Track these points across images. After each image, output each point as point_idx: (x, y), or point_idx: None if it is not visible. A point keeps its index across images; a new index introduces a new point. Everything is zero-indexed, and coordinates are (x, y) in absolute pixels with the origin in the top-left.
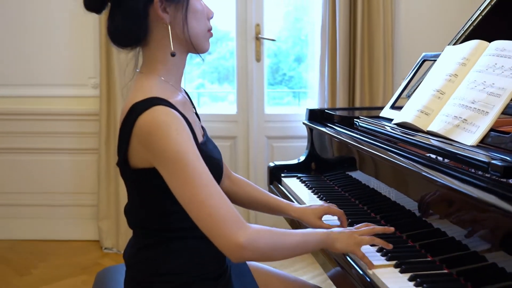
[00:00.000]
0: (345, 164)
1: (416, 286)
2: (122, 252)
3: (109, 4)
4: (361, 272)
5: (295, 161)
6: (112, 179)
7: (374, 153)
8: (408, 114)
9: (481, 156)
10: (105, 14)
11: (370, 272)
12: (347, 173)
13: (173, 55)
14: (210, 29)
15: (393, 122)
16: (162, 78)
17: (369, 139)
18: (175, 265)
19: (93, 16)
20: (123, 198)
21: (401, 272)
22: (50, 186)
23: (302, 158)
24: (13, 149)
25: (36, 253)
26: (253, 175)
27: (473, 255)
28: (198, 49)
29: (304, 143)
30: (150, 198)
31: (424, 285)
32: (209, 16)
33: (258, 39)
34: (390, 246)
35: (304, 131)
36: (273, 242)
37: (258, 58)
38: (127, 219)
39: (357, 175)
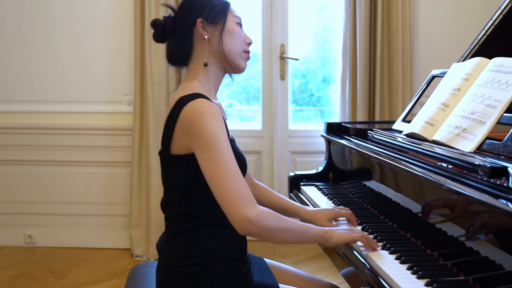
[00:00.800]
0: (360, 174)
1: (420, 278)
2: (152, 260)
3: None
4: (371, 272)
5: (313, 171)
6: (143, 190)
7: (385, 161)
8: (416, 125)
9: (476, 160)
10: (132, 35)
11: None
12: (362, 182)
13: (205, 65)
14: (246, 51)
15: (403, 133)
16: (201, 83)
17: (381, 148)
18: (203, 249)
19: (128, 38)
20: (154, 208)
21: (412, 273)
22: (85, 196)
23: (321, 168)
24: (52, 162)
25: (72, 259)
26: (277, 187)
27: (470, 250)
28: (233, 65)
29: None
30: (183, 185)
31: (434, 284)
32: (246, 41)
33: (282, 58)
34: (377, 247)
35: (322, 146)
36: (276, 224)
37: (283, 77)
38: (163, 211)
39: (371, 184)
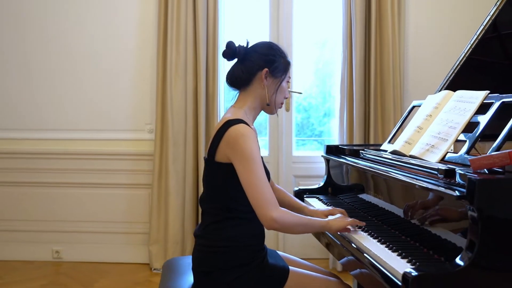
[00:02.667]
0: (354, 188)
1: (404, 258)
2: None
3: (236, 59)
4: (372, 260)
5: (315, 186)
6: (162, 210)
7: (373, 171)
8: (398, 144)
9: (438, 166)
10: (154, 71)
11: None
12: (355, 194)
13: (268, 105)
14: (282, 103)
15: (388, 151)
16: (245, 113)
17: (370, 163)
18: (233, 235)
19: (150, 73)
20: (171, 226)
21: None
22: (108, 216)
23: (321, 184)
24: (78, 184)
25: (96, 271)
26: None
27: (429, 233)
28: (270, 110)
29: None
30: (222, 186)
31: (411, 258)
32: (285, 95)
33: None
34: (363, 223)
35: (322, 170)
36: (293, 221)
37: (288, 108)
38: (201, 205)
39: (362, 196)
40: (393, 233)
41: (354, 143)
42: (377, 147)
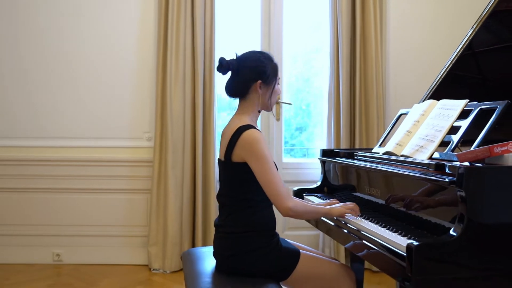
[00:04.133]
0: (349, 187)
1: (401, 236)
2: (168, 272)
3: (230, 72)
4: (375, 238)
5: (313, 186)
6: (161, 213)
7: (371, 168)
8: (390, 146)
9: (429, 161)
10: (153, 81)
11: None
12: (348, 191)
13: (259, 111)
14: (277, 100)
15: (381, 152)
16: (250, 117)
17: (367, 162)
18: (251, 222)
19: (149, 83)
20: (170, 228)
21: (397, 234)
22: (108, 220)
23: (318, 183)
24: (78, 189)
25: (98, 272)
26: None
27: (419, 218)
28: (268, 109)
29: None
30: (239, 181)
31: (410, 236)
32: (279, 93)
33: (277, 103)
34: (358, 213)
35: (313, 176)
36: (304, 209)
37: (278, 118)
38: (219, 199)
39: (357, 193)
40: (390, 219)
41: (341, 146)
42: (367, 150)
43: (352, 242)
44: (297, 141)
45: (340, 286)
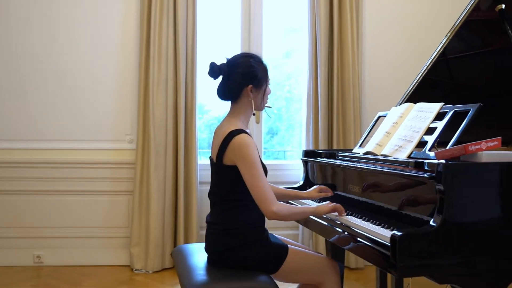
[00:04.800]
0: (330, 186)
1: (384, 228)
2: (151, 272)
3: (221, 76)
4: (360, 231)
5: (296, 185)
6: (143, 214)
7: (354, 167)
8: (370, 146)
9: (408, 160)
10: (135, 85)
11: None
12: (333, 191)
13: (253, 114)
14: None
15: (361, 152)
16: (241, 121)
17: (349, 162)
18: (242, 219)
19: (131, 87)
20: (152, 229)
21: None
22: (89, 221)
23: (301, 182)
24: (59, 191)
25: (80, 273)
26: None
27: (399, 213)
28: (260, 110)
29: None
30: (230, 183)
31: (393, 228)
32: (269, 93)
33: None
34: (343, 213)
35: (291, 177)
36: (289, 212)
37: (258, 121)
38: (211, 198)
39: (339, 192)
40: (372, 214)
41: (320, 147)
42: (347, 151)
43: (337, 236)
44: (269, 144)
45: (326, 278)
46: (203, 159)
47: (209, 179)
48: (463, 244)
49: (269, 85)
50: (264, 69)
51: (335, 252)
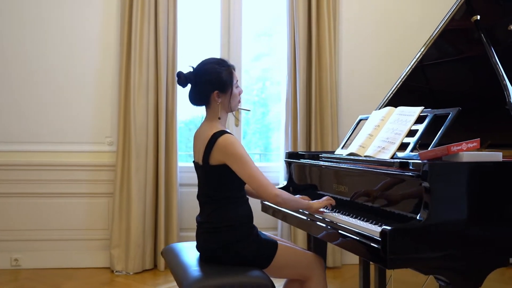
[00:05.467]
0: (311, 185)
1: (373, 224)
2: (131, 273)
3: (190, 85)
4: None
5: (280, 186)
6: (124, 216)
7: (339, 166)
8: (353, 148)
9: (393, 160)
10: (115, 88)
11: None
12: (315, 191)
13: (219, 118)
14: (239, 100)
15: (345, 153)
16: (219, 122)
17: (333, 162)
18: (230, 217)
19: (111, 90)
20: (133, 231)
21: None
22: (68, 224)
23: (285, 183)
24: (40, 194)
25: (59, 276)
26: None
27: (383, 210)
28: (234, 110)
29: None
30: (218, 182)
31: (381, 224)
32: (240, 93)
33: (237, 109)
34: (333, 202)
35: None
36: (288, 197)
37: (237, 124)
38: (200, 199)
39: (321, 192)
40: (358, 212)
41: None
42: (329, 153)
43: (325, 232)
44: (267, 137)
45: (313, 273)
46: (182, 161)
47: (189, 181)
48: (447, 238)
49: (237, 87)
50: (228, 73)
51: (317, 249)
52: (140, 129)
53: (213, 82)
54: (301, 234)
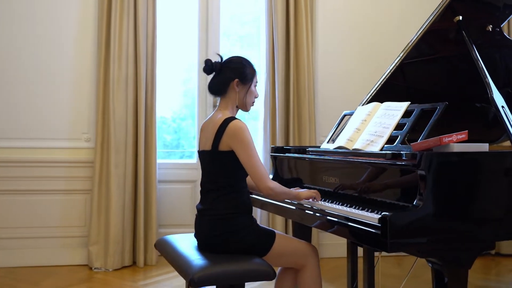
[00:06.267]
0: (297, 179)
1: (369, 212)
2: (110, 270)
3: (214, 73)
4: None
5: None
6: (103, 213)
7: (325, 159)
8: (341, 141)
9: (384, 151)
10: (92, 84)
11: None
12: (303, 184)
13: (237, 107)
14: (254, 102)
15: (331, 147)
16: (230, 112)
17: (322, 155)
18: (234, 204)
19: (89, 86)
20: (112, 227)
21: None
22: (44, 221)
23: (271, 177)
24: (16, 191)
25: (38, 274)
26: None
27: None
28: (245, 108)
29: None
30: (224, 169)
31: (378, 211)
32: (256, 96)
33: (216, 106)
34: (319, 199)
35: None
36: (281, 190)
37: None
38: (204, 186)
39: (307, 185)
40: (352, 202)
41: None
42: (315, 147)
43: (319, 222)
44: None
45: (309, 261)
46: (160, 158)
47: (168, 178)
48: (441, 222)
49: (256, 87)
50: (252, 71)
51: (302, 238)
52: (119, 125)
53: (236, 71)
54: (279, 222)
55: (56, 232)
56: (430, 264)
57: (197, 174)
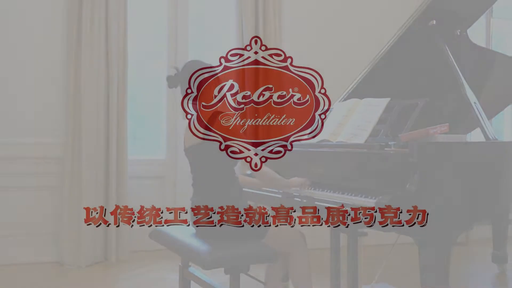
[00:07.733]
0: (288, 174)
1: (364, 198)
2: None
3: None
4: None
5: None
6: (74, 209)
7: (319, 151)
8: (324, 134)
9: (372, 143)
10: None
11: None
12: (289, 178)
13: None
14: None
15: (315, 140)
16: None
17: (308, 148)
18: (229, 192)
19: (60, 83)
20: (83, 224)
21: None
22: (13, 218)
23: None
24: None
25: (8, 272)
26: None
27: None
28: None
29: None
30: (216, 160)
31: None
32: None
33: None
34: (305, 187)
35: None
36: (272, 173)
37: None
38: (196, 180)
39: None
40: (344, 191)
41: None
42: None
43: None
44: None
45: (296, 248)
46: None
47: (138, 174)
48: (430, 204)
49: None
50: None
51: None
52: (90, 122)
53: (196, 66)
54: None
55: (26, 229)
56: (416, 242)
57: (166, 170)
